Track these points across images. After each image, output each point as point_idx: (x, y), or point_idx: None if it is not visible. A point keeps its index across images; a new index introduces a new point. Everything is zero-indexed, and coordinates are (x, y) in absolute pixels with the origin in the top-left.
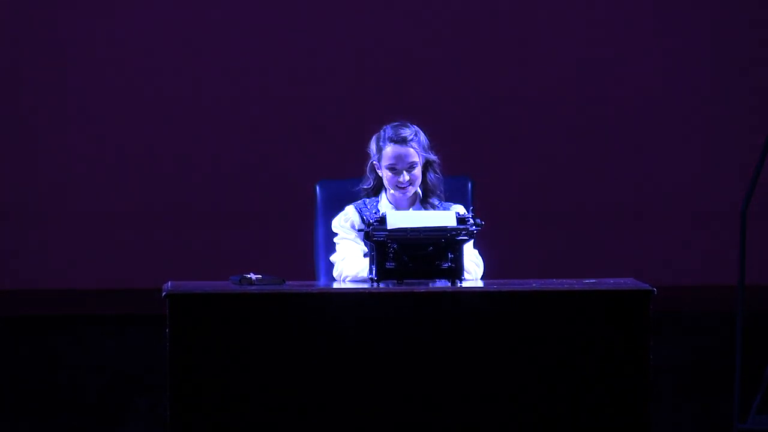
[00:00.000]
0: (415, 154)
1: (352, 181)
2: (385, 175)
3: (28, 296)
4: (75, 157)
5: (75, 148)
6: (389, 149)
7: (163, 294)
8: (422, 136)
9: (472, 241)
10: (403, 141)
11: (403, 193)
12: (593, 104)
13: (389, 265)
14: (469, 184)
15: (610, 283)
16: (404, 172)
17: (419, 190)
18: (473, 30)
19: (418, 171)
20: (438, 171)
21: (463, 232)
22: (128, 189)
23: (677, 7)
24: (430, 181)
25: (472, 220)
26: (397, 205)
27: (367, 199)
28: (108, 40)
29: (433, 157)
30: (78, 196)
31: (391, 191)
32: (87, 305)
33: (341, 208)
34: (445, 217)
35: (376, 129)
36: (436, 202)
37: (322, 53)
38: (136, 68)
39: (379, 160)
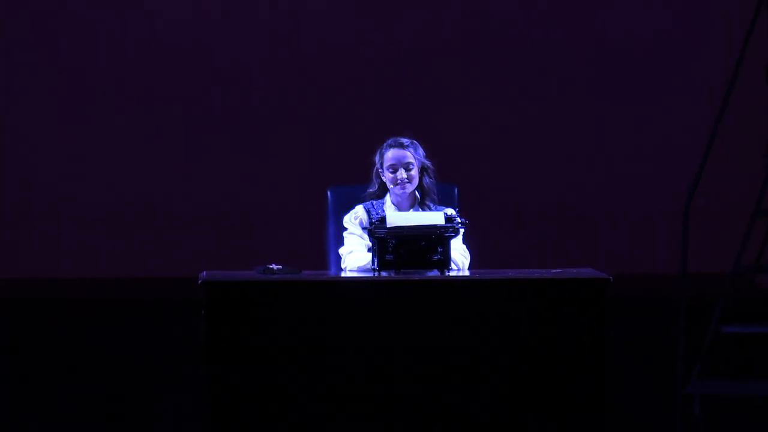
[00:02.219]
0: (411, 156)
1: (358, 188)
2: (387, 176)
3: (83, 284)
4: (120, 159)
5: (121, 151)
6: (389, 153)
7: (200, 281)
8: (418, 146)
9: (460, 237)
10: (400, 145)
11: (402, 190)
12: (560, 124)
13: (389, 257)
14: (456, 190)
15: (573, 272)
16: (401, 169)
17: (418, 194)
18: (462, 60)
19: (414, 172)
20: (432, 176)
21: (450, 230)
22: (169, 194)
23: (627, 18)
24: (426, 184)
25: (458, 220)
26: (399, 206)
27: (375, 201)
28: (135, 42)
29: (428, 163)
30: (122, 200)
31: (393, 188)
32: (131, 292)
33: (348, 210)
34: (435, 217)
35: (378, 143)
36: (432, 206)
37: (334, 81)
38: (164, 75)
39: (381, 165)
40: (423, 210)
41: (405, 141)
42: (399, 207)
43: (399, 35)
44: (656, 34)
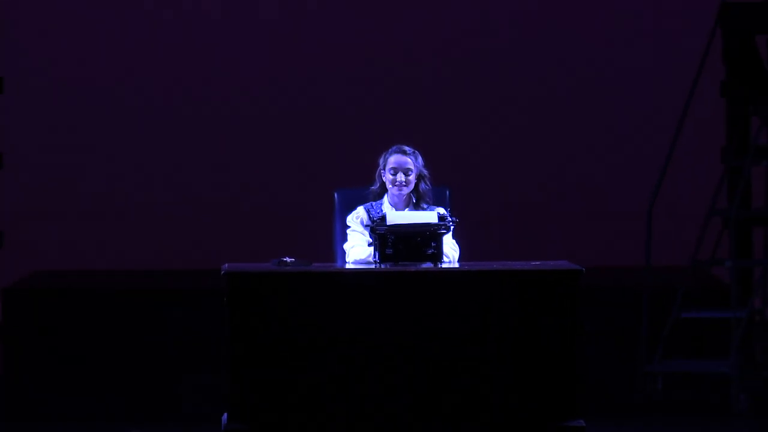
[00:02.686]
0: (411, 163)
1: (361, 190)
2: (387, 177)
3: (116, 276)
4: (152, 164)
5: (152, 157)
6: (392, 158)
7: (222, 272)
8: (419, 156)
9: (450, 233)
10: (403, 152)
11: (399, 191)
12: (542, 134)
13: (388, 251)
14: (447, 192)
15: (550, 264)
16: (401, 173)
17: (413, 197)
18: (455, 77)
19: (412, 177)
20: (428, 183)
21: (442, 227)
22: (197, 196)
23: (604, 39)
24: (422, 189)
25: (449, 218)
26: (395, 206)
27: (374, 202)
28: (164, 46)
29: (425, 171)
30: (154, 201)
31: (391, 188)
32: (162, 282)
33: (353, 209)
34: (428, 216)
35: (377, 152)
36: (425, 207)
37: (339, 97)
38: (186, 79)
39: (384, 168)
40: (417, 210)
41: (407, 149)
42: (395, 207)
43: (398, 51)
44: (627, 55)
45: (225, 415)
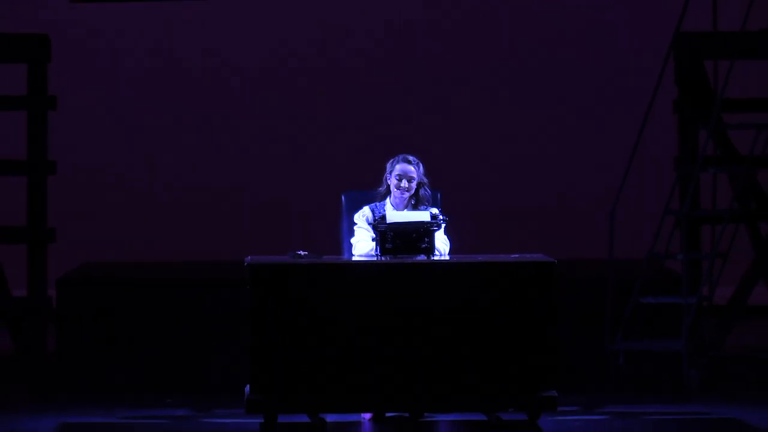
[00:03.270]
0: (414, 172)
1: (365, 192)
2: (393, 181)
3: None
4: (184, 170)
5: (185, 164)
6: (399, 166)
7: (245, 264)
8: (421, 166)
9: (442, 230)
10: (408, 162)
11: (401, 195)
12: (522, 144)
13: (388, 245)
14: (439, 195)
15: (528, 256)
16: (405, 180)
17: (413, 199)
18: (447, 97)
19: (413, 184)
20: (428, 190)
21: (434, 225)
22: (223, 198)
23: (576, 60)
24: (422, 195)
25: (440, 217)
26: (396, 207)
27: (378, 203)
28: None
29: (425, 180)
30: (189, 201)
31: (395, 191)
32: (191, 271)
33: (358, 208)
34: (422, 215)
35: (380, 160)
36: (422, 208)
37: (346, 113)
38: (211, 92)
39: (390, 173)
40: (413, 210)
41: (412, 159)
42: (396, 207)
43: (398, 76)
44: (595, 78)
45: (247, 387)
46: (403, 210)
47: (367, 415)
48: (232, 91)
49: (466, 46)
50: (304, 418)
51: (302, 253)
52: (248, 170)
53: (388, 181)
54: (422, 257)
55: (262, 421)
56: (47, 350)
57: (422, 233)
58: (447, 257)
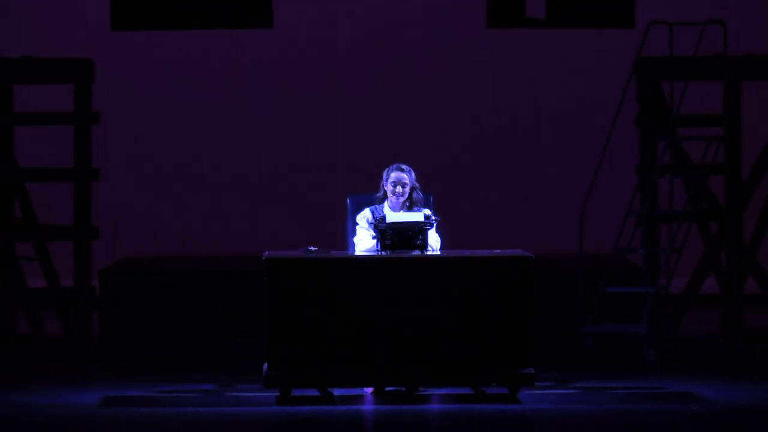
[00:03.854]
0: (407, 178)
1: (367, 196)
2: (389, 187)
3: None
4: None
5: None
6: (393, 173)
7: (263, 258)
8: (412, 173)
9: (434, 228)
10: (401, 170)
11: (397, 199)
12: (503, 153)
13: (387, 242)
14: (432, 198)
15: (508, 252)
16: (399, 186)
17: (407, 202)
18: (438, 114)
19: (407, 189)
20: (420, 193)
21: (427, 225)
22: (247, 200)
23: (554, 80)
24: (415, 197)
25: (432, 218)
26: (393, 209)
27: (377, 205)
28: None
29: (417, 184)
30: (218, 203)
31: (391, 196)
32: (216, 263)
33: (361, 210)
34: (417, 216)
35: (380, 169)
36: (416, 209)
37: (356, 127)
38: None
39: (386, 180)
40: (409, 212)
41: (404, 167)
42: (393, 209)
43: (397, 96)
44: (569, 96)
45: (265, 364)
46: (399, 211)
47: (369, 390)
48: (252, 112)
49: (458, 77)
50: (314, 392)
51: (313, 248)
52: (267, 179)
53: (385, 187)
54: (417, 252)
55: (278, 394)
56: (91, 333)
57: (417, 231)
58: (438, 252)
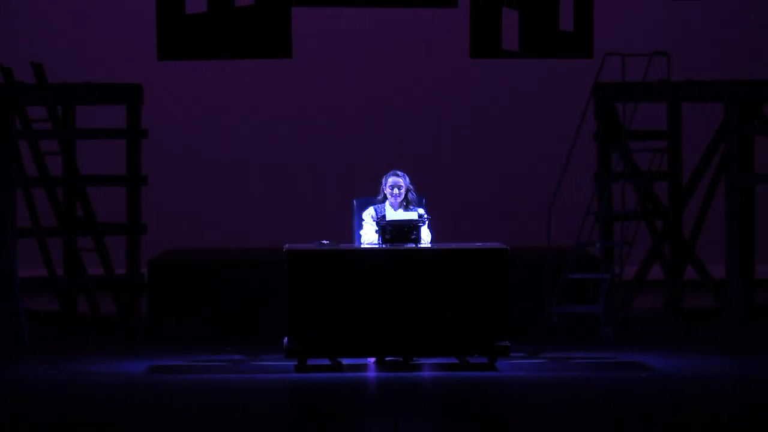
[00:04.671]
0: (402, 182)
1: (370, 198)
2: (388, 191)
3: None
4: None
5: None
6: (390, 179)
7: (284, 250)
8: (407, 177)
9: (426, 225)
10: (397, 175)
11: (395, 200)
12: (485, 162)
13: (387, 236)
14: (424, 200)
15: (488, 245)
16: (395, 188)
17: (404, 202)
18: (429, 129)
19: (402, 191)
20: (414, 194)
21: (420, 222)
22: (268, 200)
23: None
24: (410, 198)
25: (425, 216)
26: (393, 208)
27: (379, 205)
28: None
29: (411, 187)
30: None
31: (389, 198)
32: (246, 255)
33: (365, 209)
34: (412, 215)
35: (381, 176)
36: (411, 209)
37: (363, 142)
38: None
39: (385, 184)
40: (406, 211)
41: (399, 173)
42: (393, 208)
43: (395, 113)
44: (539, 116)
45: (285, 338)
46: (397, 210)
47: (372, 359)
48: (274, 128)
49: (447, 98)
50: (326, 362)
51: (325, 242)
52: (287, 183)
53: (384, 190)
54: (411, 245)
55: (296, 363)
56: (140, 313)
57: (411, 227)
58: (429, 245)
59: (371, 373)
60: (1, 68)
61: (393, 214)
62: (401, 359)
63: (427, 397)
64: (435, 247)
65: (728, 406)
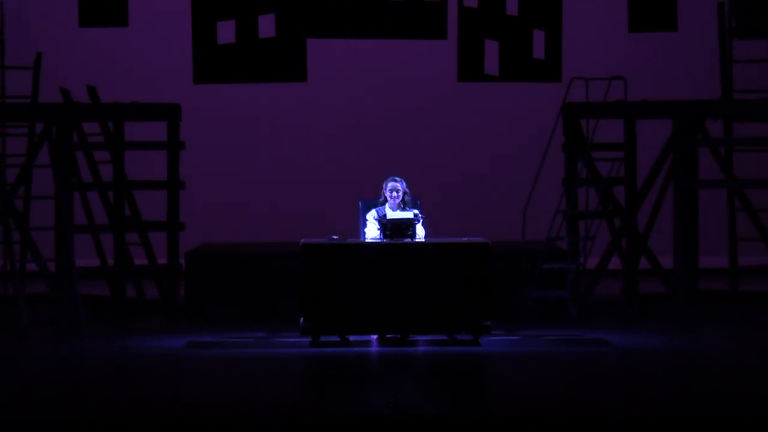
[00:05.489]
0: (399, 186)
1: (373, 200)
2: (387, 194)
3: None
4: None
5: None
6: (389, 184)
7: (300, 244)
8: (403, 182)
9: (420, 223)
10: (395, 180)
11: (393, 202)
12: (471, 170)
13: (387, 233)
14: (419, 201)
15: (473, 239)
16: (394, 192)
17: (402, 203)
18: (422, 142)
19: (400, 194)
20: (409, 196)
21: (416, 220)
22: (286, 201)
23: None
24: (407, 200)
25: (419, 216)
26: (392, 209)
27: (380, 207)
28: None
29: (407, 190)
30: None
31: (389, 200)
32: (268, 247)
33: (369, 210)
34: (408, 214)
35: (384, 179)
36: (408, 209)
37: (368, 152)
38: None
39: (385, 188)
40: (403, 211)
41: (397, 178)
42: (392, 209)
43: (394, 127)
44: (517, 131)
45: (301, 319)
46: (396, 211)
47: (375, 336)
48: (292, 141)
49: (438, 116)
50: (336, 338)
51: (335, 237)
52: (301, 188)
53: (385, 193)
54: (408, 240)
55: (310, 339)
56: (178, 297)
57: (408, 225)
58: (423, 240)
59: (374, 348)
60: (61, 90)
61: (392, 213)
62: (399, 336)
63: (421, 367)
64: (428, 241)
65: (674, 374)
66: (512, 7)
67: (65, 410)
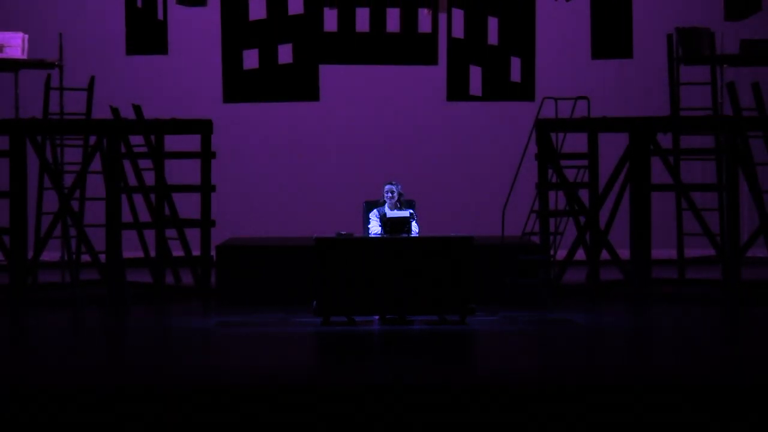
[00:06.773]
0: (395, 189)
1: (374, 201)
2: (385, 196)
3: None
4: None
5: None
6: (387, 187)
7: (314, 238)
8: (399, 186)
9: (415, 221)
10: (391, 184)
11: (390, 202)
12: (459, 175)
13: (387, 229)
14: (414, 202)
15: (459, 235)
16: (390, 193)
17: (398, 204)
18: (416, 151)
19: (396, 195)
20: (404, 197)
21: (411, 219)
22: (299, 201)
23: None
24: (403, 201)
25: (414, 214)
26: (391, 209)
27: (381, 207)
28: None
29: (403, 193)
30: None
31: (387, 201)
32: (287, 241)
33: (371, 210)
34: (404, 213)
35: (383, 183)
36: (404, 209)
37: (371, 159)
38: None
39: (384, 192)
40: (400, 210)
41: (394, 182)
42: (391, 209)
43: (391, 136)
44: (498, 143)
45: (314, 302)
46: (394, 210)
47: (377, 317)
48: (305, 152)
49: (429, 131)
50: (343, 318)
51: (343, 232)
52: (314, 191)
53: (384, 195)
54: (405, 235)
55: (322, 320)
56: (211, 284)
57: (404, 222)
58: (417, 235)
59: (376, 327)
60: (111, 108)
61: (391, 213)
62: (398, 316)
63: (416, 343)
64: (422, 236)
65: (630, 348)
66: (493, 37)
67: (114, 373)
